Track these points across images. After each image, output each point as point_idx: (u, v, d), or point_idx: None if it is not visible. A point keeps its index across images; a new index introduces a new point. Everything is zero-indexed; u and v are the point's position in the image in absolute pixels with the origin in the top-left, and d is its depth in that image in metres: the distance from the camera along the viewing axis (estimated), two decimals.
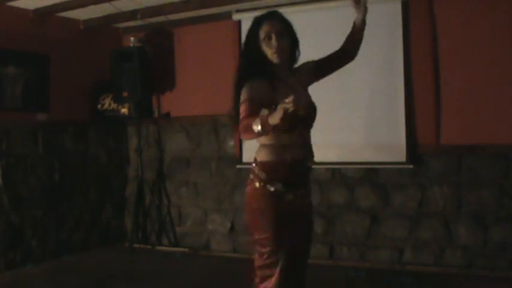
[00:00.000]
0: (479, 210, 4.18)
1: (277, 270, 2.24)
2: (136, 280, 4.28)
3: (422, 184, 4.38)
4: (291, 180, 2.29)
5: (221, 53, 5.08)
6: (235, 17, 4.91)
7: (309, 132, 2.38)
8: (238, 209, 5.12)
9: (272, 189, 2.26)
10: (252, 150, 2.42)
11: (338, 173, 4.68)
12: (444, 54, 4.27)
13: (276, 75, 2.30)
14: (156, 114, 5.58)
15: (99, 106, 5.47)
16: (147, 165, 5.57)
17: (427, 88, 4.31)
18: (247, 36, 2.36)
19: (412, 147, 4.35)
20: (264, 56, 2.30)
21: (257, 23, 2.32)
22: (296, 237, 2.32)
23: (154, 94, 5.53)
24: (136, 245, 5.34)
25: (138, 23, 5.28)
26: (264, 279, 2.28)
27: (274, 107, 1.98)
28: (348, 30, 2.56)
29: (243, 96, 2.20)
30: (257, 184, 2.28)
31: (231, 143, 5.15)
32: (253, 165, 2.33)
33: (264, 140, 2.28)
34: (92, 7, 4.75)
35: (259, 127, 2.00)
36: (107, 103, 5.46)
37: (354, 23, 2.51)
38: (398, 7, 4.33)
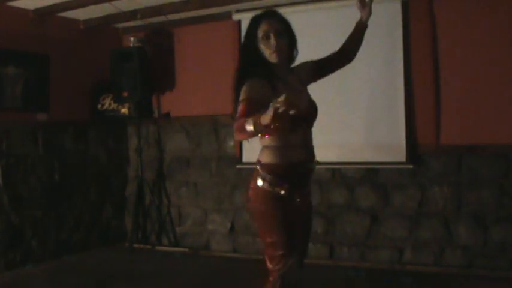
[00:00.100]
0: (479, 210, 4.18)
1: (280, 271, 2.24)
2: (136, 280, 4.27)
3: (422, 184, 4.38)
4: (296, 181, 2.29)
5: (221, 53, 5.08)
6: (235, 17, 4.91)
7: (311, 132, 2.38)
8: (238, 209, 5.12)
9: (282, 192, 2.24)
10: (252, 151, 2.42)
11: (338, 173, 4.68)
12: (444, 54, 4.27)
13: (275, 75, 2.30)
14: (156, 114, 5.58)
15: (99, 106, 5.47)
16: (147, 165, 5.57)
17: (427, 88, 4.31)
18: (246, 36, 2.35)
19: (412, 147, 4.35)
20: (262, 56, 2.29)
21: (255, 22, 2.31)
22: (297, 237, 2.32)
23: (154, 94, 5.53)
24: (136, 245, 5.34)
25: (138, 23, 5.28)
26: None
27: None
28: (347, 30, 2.56)
29: (241, 95, 2.20)
30: (264, 186, 2.26)
31: (231, 143, 5.15)
32: (258, 167, 2.30)
33: (266, 141, 2.28)
34: (92, 7, 4.75)
35: (251, 127, 1.98)
36: (107, 103, 5.46)
37: (356, 24, 2.52)
38: (398, 7, 4.33)
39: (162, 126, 5.59)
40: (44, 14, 4.79)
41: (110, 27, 5.59)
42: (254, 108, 2.05)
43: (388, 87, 4.44)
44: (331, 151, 4.37)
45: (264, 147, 2.30)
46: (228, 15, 4.95)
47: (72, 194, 5.18)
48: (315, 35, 4.46)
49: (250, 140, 2.21)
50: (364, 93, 4.49)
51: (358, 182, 4.61)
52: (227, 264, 4.81)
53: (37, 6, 4.70)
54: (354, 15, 2.57)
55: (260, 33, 2.28)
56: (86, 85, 5.37)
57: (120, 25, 5.60)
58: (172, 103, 5.50)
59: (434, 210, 4.33)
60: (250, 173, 2.41)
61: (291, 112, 1.85)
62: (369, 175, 4.55)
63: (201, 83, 5.27)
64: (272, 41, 2.26)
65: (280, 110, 1.84)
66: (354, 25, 2.55)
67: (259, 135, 2.25)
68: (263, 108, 1.98)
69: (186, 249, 5.27)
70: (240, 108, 2.15)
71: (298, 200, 2.31)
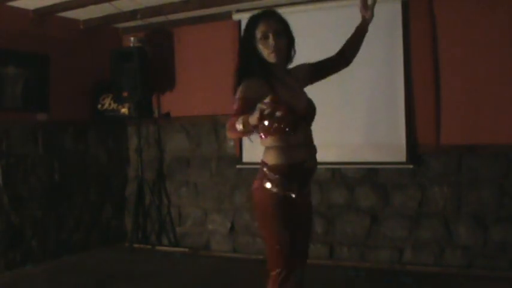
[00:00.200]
0: (479, 210, 4.18)
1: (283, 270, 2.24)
2: (136, 280, 4.28)
3: (422, 184, 4.38)
4: (300, 181, 2.29)
5: (221, 53, 5.08)
6: (235, 17, 4.91)
7: (311, 130, 2.38)
8: (238, 209, 5.12)
9: (293, 195, 2.24)
10: (252, 151, 2.43)
11: (338, 173, 4.68)
12: (444, 54, 4.27)
13: (273, 75, 2.30)
14: (156, 114, 5.58)
15: (99, 106, 5.47)
16: (147, 165, 5.57)
17: (427, 88, 4.30)
18: (244, 36, 2.34)
19: (412, 147, 4.35)
20: (260, 56, 2.29)
21: (253, 22, 2.30)
22: (300, 237, 2.32)
23: (154, 94, 5.53)
24: (136, 245, 5.34)
25: (138, 23, 5.28)
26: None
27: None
28: (347, 30, 2.56)
29: (237, 94, 2.19)
30: (273, 189, 2.24)
31: (231, 143, 5.15)
32: (264, 169, 2.28)
33: (268, 142, 2.27)
34: (92, 7, 4.75)
35: (241, 126, 1.98)
36: (107, 103, 5.46)
37: (357, 28, 2.52)
38: (398, 7, 4.33)
39: (162, 126, 5.59)
40: (44, 14, 4.79)
41: (110, 27, 5.59)
42: (248, 108, 2.04)
43: (388, 87, 4.44)
44: (331, 151, 4.36)
45: (268, 148, 2.29)
46: (228, 15, 4.95)
47: (72, 194, 5.18)
48: (315, 35, 4.46)
49: (253, 139, 2.22)
50: (364, 93, 4.49)
51: (358, 182, 4.61)
52: (227, 264, 4.81)
53: (37, 6, 4.70)
54: (354, 15, 2.57)
55: (258, 34, 2.27)
56: (86, 85, 5.37)
57: (120, 25, 5.60)
58: (172, 103, 5.50)
59: (434, 210, 4.33)
60: (250, 173, 2.42)
61: (278, 114, 1.85)
62: (369, 175, 4.55)
63: (201, 83, 5.27)
64: (271, 41, 2.26)
65: (266, 111, 1.83)
66: (354, 25, 2.55)
67: (262, 136, 2.26)
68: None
69: (186, 249, 5.27)
70: (235, 106, 2.15)
71: (301, 200, 2.30)
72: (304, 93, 2.41)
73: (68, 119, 5.16)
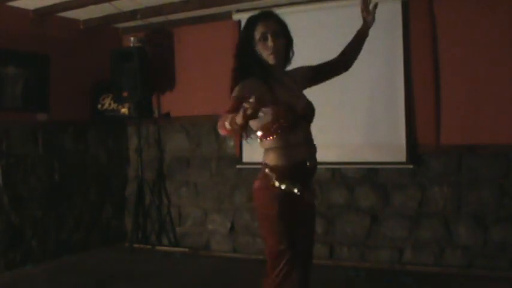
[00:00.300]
0: (479, 210, 4.18)
1: (285, 268, 2.23)
2: (136, 280, 4.28)
3: (422, 184, 4.38)
4: (302, 181, 2.28)
5: (221, 53, 5.07)
6: (235, 17, 4.91)
7: (310, 130, 2.38)
8: (238, 209, 5.12)
9: (296, 190, 2.22)
10: (252, 151, 2.43)
11: (338, 173, 4.68)
12: (444, 54, 4.27)
13: (271, 76, 2.30)
14: (156, 114, 5.58)
15: (99, 106, 5.47)
16: (147, 165, 5.57)
17: (427, 88, 4.30)
18: (242, 37, 2.33)
19: (412, 147, 4.35)
20: (259, 57, 2.29)
21: (252, 23, 2.30)
22: (302, 237, 2.31)
23: (154, 94, 5.53)
24: (136, 245, 5.34)
25: (138, 23, 5.28)
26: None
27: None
28: (347, 30, 2.56)
29: (233, 93, 2.19)
30: (274, 188, 2.23)
31: (231, 143, 5.15)
32: (266, 170, 2.27)
33: (268, 144, 2.26)
34: (92, 7, 4.75)
35: (228, 125, 1.98)
36: (107, 103, 5.46)
37: (357, 33, 2.52)
38: (398, 7, 4.33)
39: (162, 126, 5.59)
40: (44, 14, 4.79)
41: (110, 27, 5.59)
42: (240, 107, 2.04)
43: (388, 87, 4.44)
44: (331, 151, 4.36)
45: (268, 149, 2.29)
46: (228, 15, 4.95)
47: (72, 194, 5.18)
48: (315, 35, 4.47)
49: (250, 141, 2.22)
50: (364, 93, 4.49)
51: (358, 182, 4.61)
52: (227, 264, 4.81)
53: (37, 6, 4.70)
54: (354, 15, 2.57)
55: (257, 35, 2.26)
56: (86, 85, 5.37)
57: (120, 25, 5.60)
58: (172, 103, 5.50)
59: (434, 210, 4.33)
60: (250, 173, 2.41)
61: (261, 114, 1.85)
62: (369, 175, 4.55)
63: (201, 83, 5.27)
64: (269, 42, 2.25)
65: (249, 111, 1.84)
66: (354, 25, 2.55)
67: (261, 138, 2.26)
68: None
69: (186, 249, 5.27)
70: (228, 105, 2.15)
71: (302, 200, 2.29)
72: (303, 94, 2.41)
73: (68, 119, 5.16)
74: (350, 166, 4.60)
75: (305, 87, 2.48)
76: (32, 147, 4.82)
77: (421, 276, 4.12)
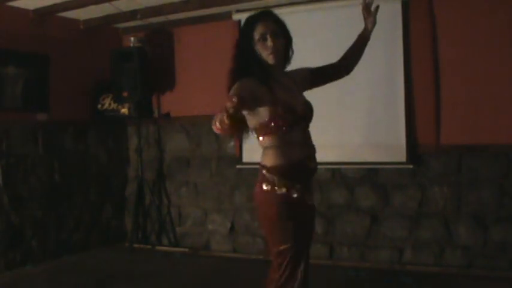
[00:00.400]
0: (479, 210, 4.18)
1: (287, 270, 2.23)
2: (136, 280, 4.28)
3: (422, 184, 4.38)
4: (301, 181, 2.27)
5: (221, 53, 5.02)
6: (235, 17, 4.91)
7: (309, 131, 2.37)
8: (238, 209, 5.12)
9: (295, 195, 2.22)
10: (252, 151, 2.42)
11: (338, 173, 4.68)
12: (444, 54, 4.27)
13: (271, 76, 2.29)
14: (156, 114, 5.58)
15: (99, 106, 5.47)
16: (147, 165, 5.57)
17: (427, 88, 4.30)
18: (242, 37, 2.32)
19: (412, 147, 4.35)
20: (259, 57, 2.28)
21: (251, 23, 2.29)
22: (302, 237, 2.31)
23: (154, 94, 5.53)
24: (136, 245, 5.34)
25: (138, 23, 5.29)
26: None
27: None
28: (347, 30, 2.56)
29: (231, 92, 2.18)
30: (273, 190, 2.22)
31: (231, 143, 5.15)
32: (264, 172, 2.26)
33: (266, 142, 2.26)
34: (92, 7, 4.75)
35: (217, 123, 1.99)
36: (107, 103, 5.46)
37: (359, 36, 2.51)
38: (398, 7, 4.33)
39: (162, 126, 5.59)
40: (44, 14, 4.79)
41: (110, 27, 5.59)
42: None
43: (388, 87, 4.44)
44: (331, 151, 4.36)
45: (266, 149, 2.28)
46: (228, 15, 4.95)
47: (72, 194, 5.18)
48: (315, 35, 4.47)
49: (246, 140, 2.22)
50: (364, 93, 4.48)
51: (358, 182, 4.61)
52: (227, 264, 4.81)
53: (37, 6, 4.70)
54: (354, 15, 2.57)
55: (257, 35, 2.26)
56: (86, 85, 5.37)
57: (120, 25, 5.60)
58: (172, 103, 5.50)
59: (434, 210, 4.33)
60: (250, 173, 2.41)
61: (241, 114, 1.88)
62: (369, 175, 4.55)
63: (201, 83, 5.27)
64: (269, 42, 2.25)
65: (230, 110, 1.85)
66: (354, 25, 2.55)
67: (260, 138, 2.26)
68: (252, 107, 2.09)
69: (186, 249, 5.27)
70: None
71: (302, 200, 2.28)
72: (302, 95, 2.41)
73: (68, 119, 5.16)
74: (350, 166, 4.60)
75: (305, 89, 2.47)
76: (32, 147, 4.82)
77: (421, 276, 4.12)
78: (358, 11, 2.52)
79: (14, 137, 4.67)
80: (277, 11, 2.42)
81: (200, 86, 5.28)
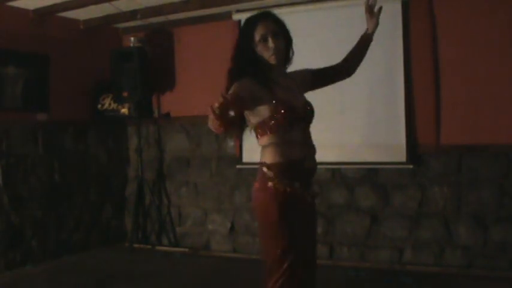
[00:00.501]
0: (479, 210, 4.18)
1: (287, 271, 2.22)
2: (136, 280, 4.27)
3: (422, 184, 4.38)
4: (301, 181, 2.26)
5: (221, 53, 5.02)
6: (235, 17, 4.91)
7: (309, 131, 2.37)
8: (238, 209, 5.12)
9: (295, 193, 2.19)
10: (252, 151, 2.41)
11: (338, 173, 4.68)
12: (444, 54, 4.27)
13: (272, 76, 2.29)
14: (156, 114, 5.58)
15: (99, 106, 5.47)
16: (147, 165, 5.57)
17: (427, 88, 4.30)
18: (242, 38, 2.31)
19: (412, 147, 4.35)
20: (260, 58, 2.28)
21: (251, 24, 2.28)
22: (304, 238, 2.29)
23: (154, 94, 5.53)
24: (136, 245, 5.34)
25: (138, 23, 5.29)
26: None
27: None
28: (347, 30, 2.56)
29: (230, 91, 2.18)
30: (273, 187, 2.19)
31: (231, 143, 5.15)
32: (264, 169, 2.24)
33: (265, 140, 2.26)
34: (92, 7, 4.75)
35: (211, 122, 2.00)
36: (107, 103, 5.46)
37: (361, 37, 2.51)
38: (398, 7, 4.33)
39: (162, 126, 5.59)
40: (44, 14, 4.79)
41: (110, 27, 5.59)
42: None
43: (388, 87, 4.44)
44: (331, 151, 4.37)
45: (265, 147, 2.26)
46: (228, 15, 4.95)
47: (72, 194, 5.18)
48: (315, 35, 4.47)
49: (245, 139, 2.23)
50: (364, 93, 4.48)
51: (358, 182, 4.61)
52: (227, 264, 4.81)
53: (37, 6, 4.70)
54: (354, 15, 2.57)
55: (257, 36, 2.25)
56: (86, 85, 5.37)
57: (120, 25, 5.60)
58: (172, 103, 5.50)
59: (434, 210, 4.33)
60: (250, 173, 2.41)
61: (231, 113, 1.90)
62: (369, 175, 4.55)
63: (201, 83, 5.26)
64: (270, 43, 2.24)
65: (216, 110, 1.88)
66: (354, 25, 2.54)
67: (259, 136, 2.26)
68: (252, 107, 2.13)
69: (186, 249, 5.27)
70: None
71: (303, 201, 2.26)
72: (303, 95, 2.40)
73: (68, 119, 5.16)
74: (350, 166, 4.60)
75: (306, 91, 2.46)
76: (32, 147, 4.82)
77: (421, 276, 4.12)
78: (358, 11, 2.52)
79: (14, 137, 4.67)
80: (277, 11, 2.42)
81: (200, 86, 5.27)
